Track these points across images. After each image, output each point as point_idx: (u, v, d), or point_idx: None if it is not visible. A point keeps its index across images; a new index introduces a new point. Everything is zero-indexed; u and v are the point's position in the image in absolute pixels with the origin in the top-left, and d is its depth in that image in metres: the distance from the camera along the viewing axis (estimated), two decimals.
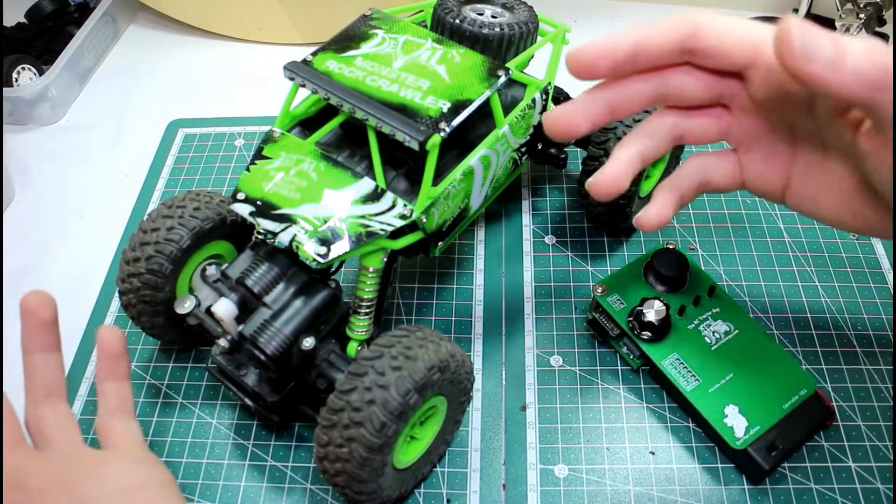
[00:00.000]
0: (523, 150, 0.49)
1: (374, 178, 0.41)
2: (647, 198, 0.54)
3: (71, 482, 0.35)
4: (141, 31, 0.80)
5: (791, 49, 0.28)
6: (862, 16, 0.64)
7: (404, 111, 0.41)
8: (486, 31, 0.46)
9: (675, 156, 0.54)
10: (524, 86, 0.48)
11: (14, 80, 0.70)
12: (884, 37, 0.68)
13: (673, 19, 0.33)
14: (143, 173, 0.63)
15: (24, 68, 0.71)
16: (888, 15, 0.64)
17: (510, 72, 0.44)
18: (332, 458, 0.37)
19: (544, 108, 0.48)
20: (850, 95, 0.29)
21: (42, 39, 0.76)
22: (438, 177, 0.42)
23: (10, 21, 0.78)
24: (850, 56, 0.28)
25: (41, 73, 0.71)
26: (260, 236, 0.43)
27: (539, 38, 0.49)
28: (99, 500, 0.34)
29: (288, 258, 0.41)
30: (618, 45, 0.33)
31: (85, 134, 0.69)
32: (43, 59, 0.75)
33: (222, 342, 0.41)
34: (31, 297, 0.38)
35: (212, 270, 0.44)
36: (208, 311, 0.42)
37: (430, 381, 0.37)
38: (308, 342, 0.40)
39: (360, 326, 0.42)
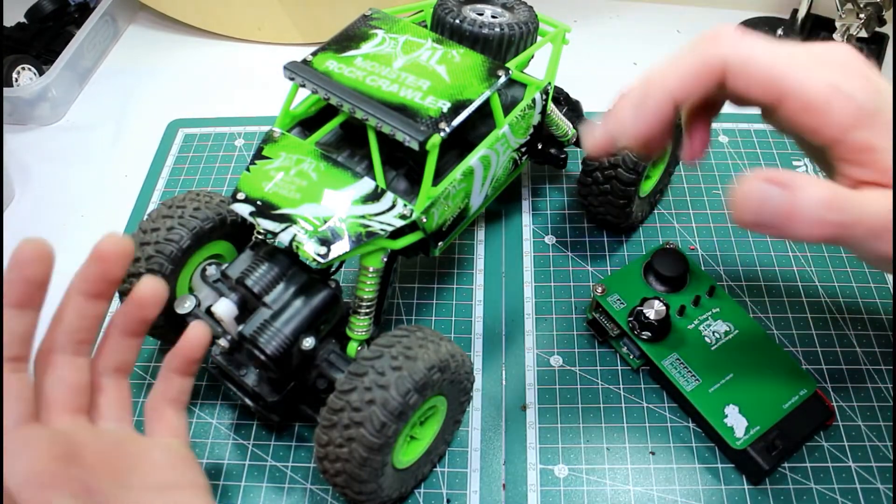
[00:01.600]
0: (523, 150, 0.49)
1: (374, 178, 0.41)
2: (647, 198, 0.54)
3: (119, 467, 0.34)
4: (141, 31, 0.80)
5: (743, 218, 0.32)
6: (862, 16, 0.64)
7: (404, 111, 0.41)
8: (486, 31, 0.46)
9: (675, 155, 0.54)
10: (524, 86, 0.48)
11: (14, 80, 0.70)
12: (884, 37, 0.68)
13: (697, 64, 0.33)
14: (143, 173, 0.63)
15: (24, 68, 0.71)
16: (888, 15, 0.64)
17: (510, 72, 0.44)
18: (332, 458, 0.37)
19: (544, 108, 0.48)
20: (814, 240, 0.31)
21: (42, 39, 0.76)
22: (438, 177, 0.42)
23: (10, 21, 0.78)
24: (803, 212, 0.31)
25: (41, 73, 0.71)
26: (260, 236, 0.43)
27: (539, 38, 0.49)
28: (142, 490, 0.34)
29: (288, 258, 0.41)
30: (652, 119, 0.34)
31: (85, 134, 0.69)
32: (43, 59, 0.75)
33: (222, 342, 0.41)
34: (148, 287, 0.37)
35: (212, 270, 0.44)
36: (208, 311, 0.42)
37: (430, 381, 0.37)
38: (308, 342, 0.40)
39: (360, 326, 0.42)
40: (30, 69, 0.71)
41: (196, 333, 0.38)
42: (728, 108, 0.38)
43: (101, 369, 0.37)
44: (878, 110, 0.31)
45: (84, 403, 0.36)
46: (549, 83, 0.48)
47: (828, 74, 0.32)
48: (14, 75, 0.70)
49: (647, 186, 0.53)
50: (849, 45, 0.33)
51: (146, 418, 0.38)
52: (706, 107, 0.36)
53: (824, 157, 0.33)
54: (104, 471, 0.33)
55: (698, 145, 0.37)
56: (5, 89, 0.67)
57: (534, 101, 0.47)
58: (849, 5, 0.64)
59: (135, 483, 0.34)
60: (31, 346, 0.34)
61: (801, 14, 0.68)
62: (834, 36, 0.66)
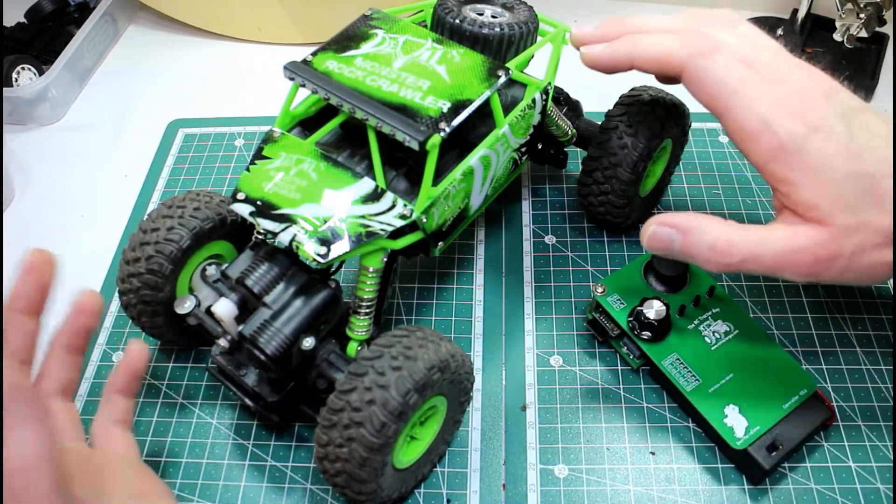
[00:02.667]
0: (523, 150, 0.49)
1: (374, 178, 0.41)
2: (647, 198, 0.54)
3: (93, 476, 0.35)
4: (141, 31, 0.80)
5: (652, 252, 0.40)
6: (862, 16, 0.64)
7: (404, 111, 0.41)
8: (486, 31, 0.46)
9: (674, 154, 0.54)
10: (524, 86, 0.48)
11: (14, 80, 0.70)
12: (884, 37, 0.68)
13: (664, 56, 0.40)
14: (143, 173, 0.63)
15: (24, 68, 0.71)
16: (888, 15, 0.64)
17: (510, 72, 0.44)
18: (332, 458, 0.37)
19: (544, 108, 0.48)
20: (717, 272, 0.39)
21: (42, 39, 0.76)
22: (438, 177, 0.42)
23: (10, 21, 0.78)
24: (696, 254, 0.38)
25: (41, 73, 0.71)
26: (260, 236, 0.43)
27: (539, 38, 0.49)
28: (117, 496, 0.34)
29: (288, 258, 0.41)
30: (617, 61, 0.42)
31: (85, 134, 0.69)
32: (43, 59, 0.75)
33: (222, 342, 0.41)
34: (90, 299, 0.39)
35: (212, 270, 0.44)
36: (208, 311, 0.42)
37: (430, 381, 0.37)
38: (308, 342, 0.40)
39: (359, 326, 0.42)
40: (30, 69, 0.71)
41: (136, 351, 0.40)
42: None
43: (47, 391, 0.38)
44: (801, 150, 0.36)
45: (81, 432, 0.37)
46: (550, 83, 0.48)
47: (766, 108, 0.36)
48: (14, 75, 0.70)
49: (647, 186, 0.53)
50: (820, 75, 0.38)
51: (94, 438, 0.38)
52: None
53: None
54: (80, 481, 0.34)
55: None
56: (5, 89, 0.67)
57: (534, 101, 0.47)
58: (849, 5, 0.64)
59: (107, 490, 0.34)
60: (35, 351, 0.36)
61: (801, 14, 0.68)
62: (834, 36, 0.66)
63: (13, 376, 0.31)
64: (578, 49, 0.44)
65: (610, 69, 0.43)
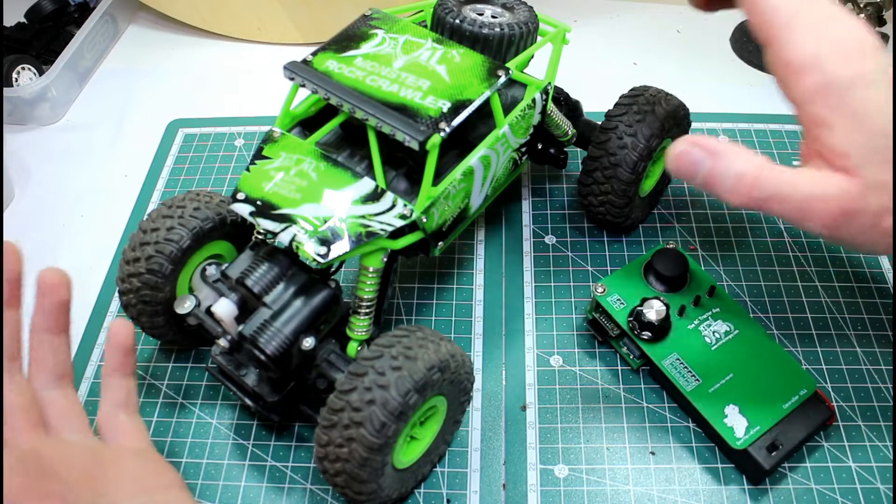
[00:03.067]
0: (523, 150, 0.49)
1: (374, 178, 0.41)
2: (647, 198, 0.54)
3: (94, 476, 0.34)
4: (141, 31, 0.80)
5: (674, 172, 0.36)
6: (862, 16, 0.64)
7: (404, 111, 0.41)
8: (486, 31, 0.46)
9: None
10: (524, 86, 0.48)
11: (14, 80, 0.70)
12: (884, 37, 0.68)
13: None
14: (143, 173, 0.63)
15: (23, 68, 0.71)
16: (888, 15, 0.64)
17: (510, 72, 0.44)
18: (332, 458, 0.37)
19: (544, 108, 0.48)
20: (734, 206, 0.36)
21: (42, 39, 0.76)
22: (438, 177, 0.42)
23: (10, 21, 0.78)
24: (720, 180, 0.35)
25: (41, 73, 0.71)
26: (260, 236, 0.43)
27: (539, 39, 0.49)
28: (119, 498, 0.34)
29: (288, 258, 0.41)
30: None
31: (85, 134, 0.69)
32: (43, 59, 0.75)
33: (222, 342, 0.41)
34: (51, 274, 0.38)
35: (212, 270, 0.44)
36: (208, 311, 0.42)
37: (430, 381, 0.37)
38: (308, 342, 0.40)
39: (359, 326, 0.42)
40: (30, 69, 0.71)
41: (117, 326, 0.39)
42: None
43: (42, 382, 0.37)
44: (848, 90, 0.33)
45: (39, 418, 0.36)
46: (550, 83, 0.48)
47: (817, 45, 0.34)
48: (14, 75, 0.70)
49: (647, 186, 0.53)
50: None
51: (102, 432, 0.38)
52: None
53: None
54: (79, 482, 0.34)
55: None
56: (5, 89, 0.67)
57: (534, 100, 0.47)
58: (849, 5, 0.64)
59: (110, 490, 0.34)
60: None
61: None
62: None
63: None
64: None
65: None
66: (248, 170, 0.42)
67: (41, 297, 0.38)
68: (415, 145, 0.39)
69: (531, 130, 0.48)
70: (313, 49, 0.45)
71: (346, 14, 0.51)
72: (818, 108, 0.34)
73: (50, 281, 0.38)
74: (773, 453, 0.42)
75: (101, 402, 0.39)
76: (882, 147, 0.33)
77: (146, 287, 0.43)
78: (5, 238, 0.35)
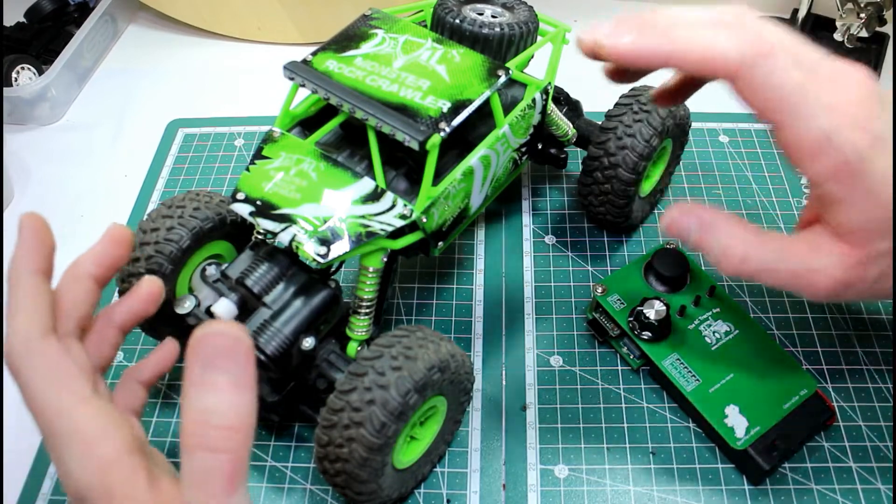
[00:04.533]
0: (523, 150, 0.49)
1: (373, 178, 0.41)
2: (648, 198, 0.54)
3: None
4: (141, 31, 0.80)
5: (668, 236, 0.39)
6: (862, 16, 0.64)
7: (404, 111, 0.41)
8: (486, 30, 0.46)
9: (674, 154, 0.54)
10: (524, 86, 0.47)
11: (13, 79, 0.69)
12: (884, 37, 0.68)
13: (713, 53, 0.33)
14: (143, 173, 0.63)
15: (23, 68, 0.71)
16: (888, 15, 0.64)
17: (510, 72, 0.43)
18: (332, 458, 0.37)
19: (544, 108, 0.48)
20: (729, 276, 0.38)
21: (41, 39, 0.76)
22: (438, 177, 0.42)
23: (9, 21, 0.78)
24: (708, 251, 0.36)
25: (41, 72, 0.71)
26: (259, 236, 0.43)
27: (539, 38, 0.49)
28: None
29: (288, 258, 0.41)
30: (650, 55, 0.35)
31: (85, 134, 0.69)
32: (42, 58, 0.74)
33: None
34: (153, 284, 0.37)
35: (211, 270, 0.44)
36: (208, 311, 0.42)
37: (430, 381, 0.37)
38: (308, 342, 0.40)
39: (359, 326, 0.42)
40: (29, 69, 0.71)
41: (170, 347, 0.39)
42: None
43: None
44: (863, 164, 0.32)
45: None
46: (550, 83, 0.48)
47: (828, 121, 0.32)
48: (13, 75, 0.69)
49: (647, 186, 0.53)
50: (866, 73, 0.33)
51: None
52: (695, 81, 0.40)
53: None
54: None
55: (667, 99, 0.41)
56: (5, 89, 0.67)
57: (534, 100, 0.47)
58: (849, 5, 0.64)
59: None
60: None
61: (802, 14, 0.68)
62: (834, 36, 0.66)
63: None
64: (588, 51, 0.37)
65: (637, 63, 0.35)
66: (247, 170, 0.42)
67: (134, 298, 0.37)
68: (415, 145, 0.39)
69: (531, 130, 0.48)
70: (313, 49, 0.45)
71: (345, 14, 0.50)
72: (833, 188, 0.33)
73: (147, 293, 0.37)
74: (774, 453, 0.42)
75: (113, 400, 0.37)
76: (886, 218, 0.33)
77: None
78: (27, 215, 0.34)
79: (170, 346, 0.40)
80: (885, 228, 0.33)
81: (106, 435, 0.29)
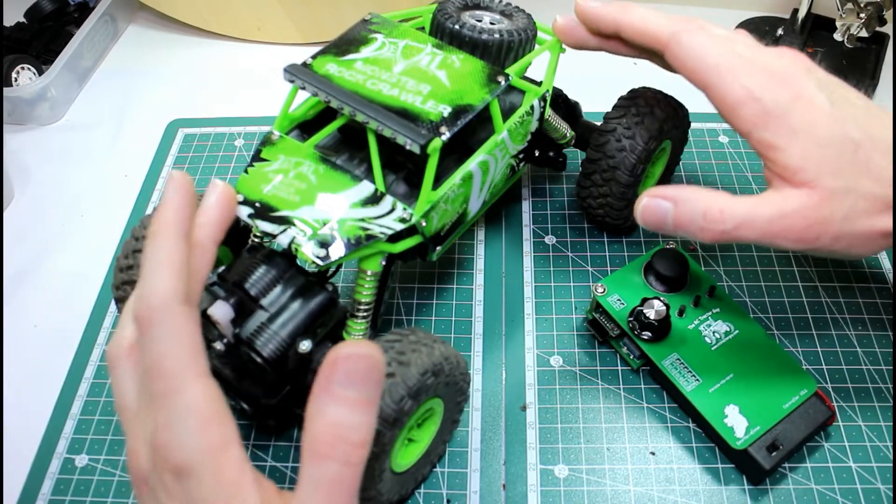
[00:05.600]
0: (521, 156, 0.49)
1: (373, 182, 0.41)
2: None
3: None
4: (141, 31, 0.80)
5: (644, 225, 0.40)
6: (862, 16, 0.64)
7: (405, 115, 0.41)
8: (485, 36, 0.46)
9: (674, 155, 0.54)
10: (522, 92, 0.47)
11: (13, 79, 0.70)
12: (884, 37, 0.68)
13: (651, 29, 0.42)
14: (143, 173, 0.63)
15: (23, 68, 0.71)
16: (888, 15, 0.64)
17: (510, 78, 0.43)
18: None
19: (542, 116, 0.48)
20: (707, 242, 0.38)
21: (41, 39, 0.76)
22: (437, 181, 0.42)
23: (9, 21, 0.78)
24: (687, 222, 0.38)
25: (41, 72, 0.71)
26: (257, 239, 0.43)
27: (537, 47, 0.49)
28: None
29: (285, 261, 0.41)
30: (605, 19, 0.44)
31: (85, 134, 0.69)
32: (42, 58, 0.75)
33: (218, 345, 0.41)
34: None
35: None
36: (204, 314, 0.42)
37: (424, 385, 0.37)
38: (305, 345, 0.39)
39: (356, 330, 0.42)
40: (29, 69, 0.71)
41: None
42: None
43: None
44: (785, 115, 0.37)
45: None
46: (547, 91, 0.48)
47: (748, 79, 0.37)
48: (13, 75, 0.70)
49: (646, 188, 0.53)
50: (797, 53, 0.39)
51: None
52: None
53: None
54: None
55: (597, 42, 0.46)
56: (5, 89, 0.67)
57: (532, 107, 0.47)
58: (849, 5, 0.64)
59: None
60: None
61: (802, 14, 0.68)
62: (834, 36, 0.66)
63: None
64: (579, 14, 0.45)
65: (595, 25, 0.44)
66: (246, 171, 0.42)
67: (219, 203, 0.35)
68: (416, 149, 0.39)
69: (529, 137, 0.48)
70: (313, 50, 0.45)
71: (345, 14, 0.51)
72: (764, 134, 0.37)
73: (228, 195, 0.35)
74: (774, 453, 0.42)
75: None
76: (833, 156, 0.36)
77: None
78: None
79: (224, 189, 0.36)
80: (832, 168, 0.36)
81: (221, 419, 0.29)
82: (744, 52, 0.39)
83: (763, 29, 0.72)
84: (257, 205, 0.41)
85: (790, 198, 0.37)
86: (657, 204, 0.38)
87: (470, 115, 0.41)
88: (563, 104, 0.53)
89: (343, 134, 0.45)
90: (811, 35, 0.70)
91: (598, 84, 0.59)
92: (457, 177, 0.43)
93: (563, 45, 0.48)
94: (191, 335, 0.30)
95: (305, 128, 0.46)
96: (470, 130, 0.44)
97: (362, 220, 0.40)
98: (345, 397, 0.28)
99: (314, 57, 0.44)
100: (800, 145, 0.36)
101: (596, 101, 0.57)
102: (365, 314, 0.42)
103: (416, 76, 0.43)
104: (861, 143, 0.37)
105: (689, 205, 0.38)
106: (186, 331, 0.30)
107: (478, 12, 0.50)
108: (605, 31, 0.44)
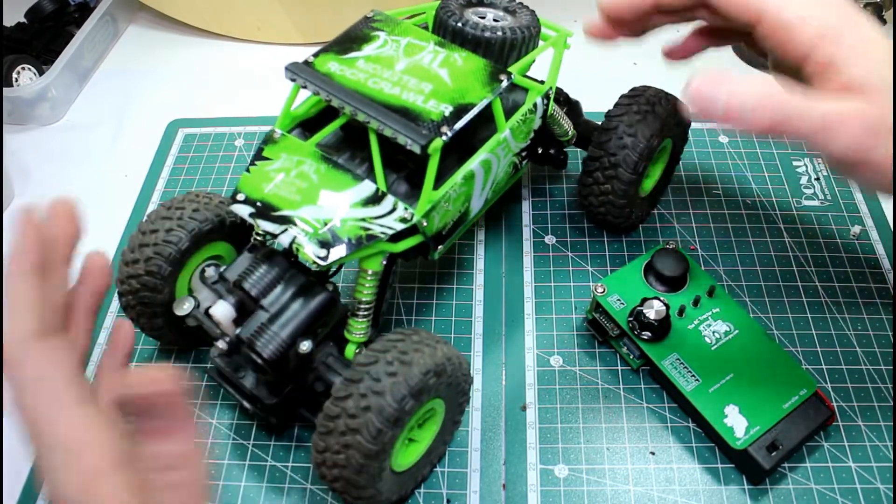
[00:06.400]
0: (523, 154, 0.49)
1: (374, 181, 0.41)
2: (648, 198, 0.54)
3: None
4: (141, 31, 0.80)
5: (695, 112, 0.36)
6: None
7: (406, 114, 0.41)
8: (488, 34, 0.46)
9: (674, 154, 0.54)
10: (525, 90, 0.47)
11: (14, 80, 0.69)
12: None
13: None
14: (143, 173, 0.63)
15: (24, 68, 0.71)
16: (888, 15, 0.64)
17: (512, 76, 0.43)
18: (330, 464, 0.37)
19: (545, 113, 0.48)
20: (756, 130, 0.36)
21: (42, 39, 0.76)
22: (439, 180, 0.42)
23: (10, 21, 0.78)
24: (741, 106, 0.35)
25: (41, 73, 0.71)
26: (259, 238, 0.43)
27: (541, 43, 0.49)
28: None
29: (286, 260, 0.41)
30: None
31: (85, 134, 0.69)
32: (43, 59, 0.75)
33: (220, 344, 0.41)
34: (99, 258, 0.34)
35: (210, 272, 0.44)
36: (207, 313, 0.42)
37: (426, 385, 0.37)
38: (305, 345, 0.39)
39: (358, 329, 0.42)
40: (30, 69, 0.71)
41: (121, 326, 0.36)
42: None
43: None
44: (843, 31, 0.35)
45: None
46: (551, 88, 0.48)
47: (799, 6, 0.36)
48: (14, 75, 0.70)
49: (647, 186, 0.53)
50: None
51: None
52: (704, 33, 0.45)
53: (801, 79, 0.37)
54: None
55: (681, 51, 0.46)
56: (5, 89, 0.67)
57: (535, 105, 0.47)
58: None
59: None
60: None
61: None
62: None
63: None
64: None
65: (630, 11, 0.42)
66: (248, 171, 0.42)
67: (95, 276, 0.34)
68: (417, 149, 0.39)
69: (531, 135, 0.48)
70: (314, 50, 0.45)
71: (346, 14, 0.50)
72: (824, 51, 0.35)
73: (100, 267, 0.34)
74: (773, 453, 0.42)
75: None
76: (887, 76, 0.35)
77: (145, 289, 0.43)
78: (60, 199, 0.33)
79: (123, 325, 0.36)
80: (888, 85, 0.34)
81: (92, 446, 0.28)
82: None
83: None
84: (259, 204, 0.41)
85: (849, 102, 0.35)
86: (711, 90, 0.35)
87: (471, 114, 0.41)
88: (564, 103, 0.53)
89: (345, 132, 0.45)
90: None
91: (597, 84, 0.59)
92: (458, 176, 0.43)
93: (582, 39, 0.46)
94: (45, 370, 0.29)
95: (307, 126, 0.46)
96: (472, 129, 0.44)
97: (363, 219, 0.40)
98: (155, 430, 0.30)
99: (316, 55, 0.44)
100: (859, 61, 0.35)
101: (596, 100, 0.57)
102: (366, 313, 0.42)
103: (417, 74, 0.43)
104: None
105: (744, 84, 0.35)
106: (41, 367, 0.29)
107: (481, 9, 0.50)
108: (641, 7, 0.42)
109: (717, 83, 0.35)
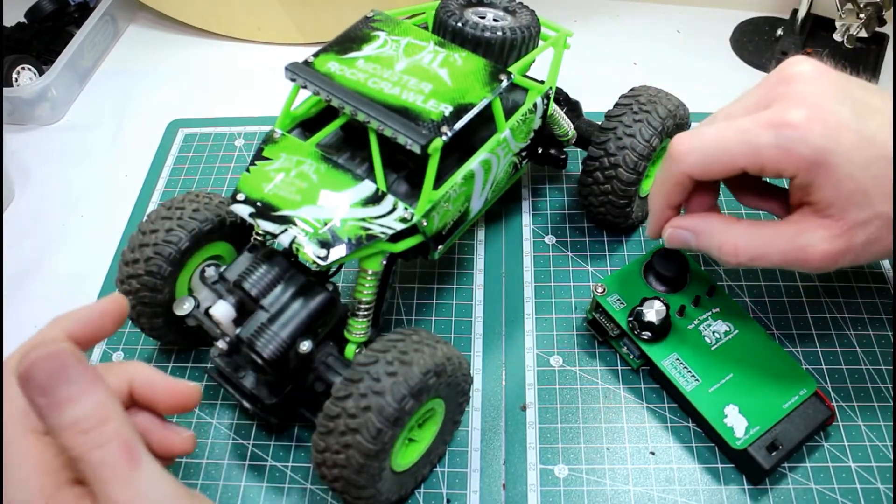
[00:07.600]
0: (524, 153, 0.49)
1: (374, 181, 0.41)
2: (648, 198, 0.54)
3: None
4: (141, 31, 0.80)
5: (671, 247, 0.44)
6: (862, 16, 0.64)
7: (406, 114, 0.41)
8: (488, 34, 0.46)
9: None
10: (525, 90, 0.47)
11: (14, 80, 0.70)
12: (884, 37, 0.68)
13: (672, 184, 0.42)
14: (143, 173, 0.63)
15: (24, 68, 0.71)
16: (888, 15, 0.64)
17: (512, 76, 0.43)
18: (330, 464, 0.37)
19: (545, 113, 0.48)
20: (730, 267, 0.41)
21: (42, 39, 0.76)
22: (439, 180, 0.42)
23: (10, 21, 0.78)
24: (708, 251, 0.41)
25: (41, 73, 0.71)
26: (259, 238, 0.43)
27: (541, 43, 0.49)
28: None
29: (286, 260, 0.41)
30: (661, 219, 0.44)
31: (85, 134, 0.69)
32: (43, 59, 0.75)
33: (220, 344, 0.41)
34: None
35: (211, 272, 0.44)
36: (207, 313, 0.42)
37: (426, 385, 0.37)
38: (305, 345, 0.39)
39: (358, 329, 0.42)
40: (30, 69, 0.71)
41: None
42: None
43: None
44: (821, 155, 0.36)
45: None
46: (551, 87, 0.48)
47: (775, 137, 0.37)
48: (14, 75, 0.70)
49: (647, 186, 0.53)
50: (813, 63, 0.40)
51: None
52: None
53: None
54: None
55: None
56: (5, 89, 0.67)
57: (535, 105, 0.47)
58: (849, 5, 0.64)
59: None
60: None
61: (801, 14, 0.68)
62: (834, 36, 0.66)
63: None
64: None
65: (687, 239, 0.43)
66: (248, 170, 0.42)
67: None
68: (417, 149, 0.39)
69: (532, 135, 0.48)
70: (314, 50, 0.45)
71: (346, 14, 0.50)
72: (803, 178, 0.37)
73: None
74: (773, 453, 0.42)
75: None
76: (864, 183, 0.37)
77: (145, 288, 0.43)
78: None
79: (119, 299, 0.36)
80: (859, 200, 0.37)
81: (52, 469, 0.30)
82: (750, 108, 0.39)
83: (763, 29, 0.72)
84: (258, 204, 0.41)
85: (809, 230, 0.38)
86: (679, 234, 0.42)
87: (471, 114, 0.41)
88: (564, 103, 0.53)
89: (345, 132, 0.45)
90: (811, 35, 0.70)
91: (598, 84, 0.59)
92: (458, 176, 0.43)
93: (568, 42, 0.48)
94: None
95: (307, 126, 0.46)
96: (472, 129, 0.44)
97: (363, 219, 0.40)
98: (59, 400, 0.28)
99: (316, 55, 0.44)
100: (835, 185, 0.36)
101: (595, 101, 0.57)
102: (366, 313, 0.42)
103: (417, 74, 0.43)
104: (890, 158, 0.36)
105: (706, 238, 0.41)
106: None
107: (481, 9, 0.50)
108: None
109: (684, 233, 0.42)
